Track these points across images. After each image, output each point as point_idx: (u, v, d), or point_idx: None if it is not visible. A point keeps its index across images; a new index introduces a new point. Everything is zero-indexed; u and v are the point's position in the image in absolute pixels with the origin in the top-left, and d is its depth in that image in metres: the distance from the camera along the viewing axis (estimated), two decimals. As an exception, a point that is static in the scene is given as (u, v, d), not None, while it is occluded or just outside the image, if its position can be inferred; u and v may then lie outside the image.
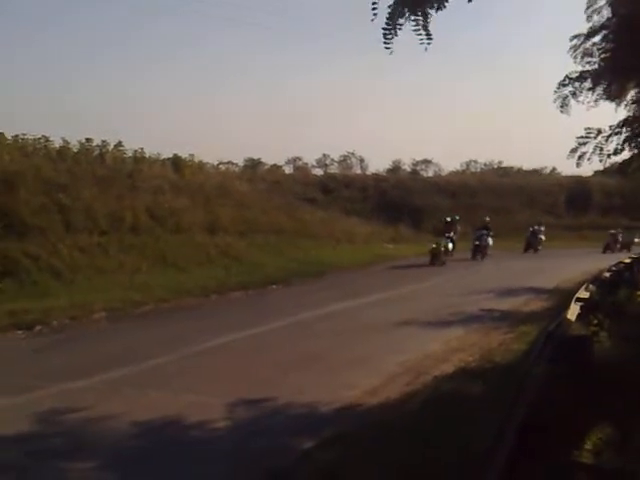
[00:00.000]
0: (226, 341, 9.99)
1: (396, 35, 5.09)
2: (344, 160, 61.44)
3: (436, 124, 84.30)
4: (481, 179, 47.38)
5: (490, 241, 26.62)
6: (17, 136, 19.44)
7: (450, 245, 24.86)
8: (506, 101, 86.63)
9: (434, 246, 23.26)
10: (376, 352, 9.50)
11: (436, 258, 22.77)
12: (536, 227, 31.62)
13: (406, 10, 5.07)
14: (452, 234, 25.54)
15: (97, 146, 21.64)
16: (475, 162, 62.65)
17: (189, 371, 8.23)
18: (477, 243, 25.97)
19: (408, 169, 58.30)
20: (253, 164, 54.01)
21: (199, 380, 7.83)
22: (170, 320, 12.01)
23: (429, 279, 19.10)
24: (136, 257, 16.47)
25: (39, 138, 19.99)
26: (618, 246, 31.97)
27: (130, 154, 22.84)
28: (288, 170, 54.50)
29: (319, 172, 54.38)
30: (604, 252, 30.18)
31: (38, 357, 8.95)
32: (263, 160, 55.42)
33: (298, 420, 6.46)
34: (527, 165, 57.79)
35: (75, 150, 20.87)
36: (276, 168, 51.86)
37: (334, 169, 58.13)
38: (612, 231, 32.67)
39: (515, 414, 4.42)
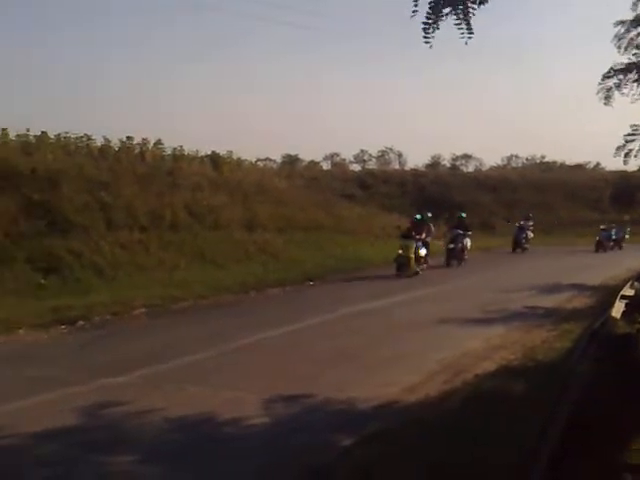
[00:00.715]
0: (264, 337, 10.00)
1: (437, 29, 5.04)
2: (382, 156, 61.23)
3: (476, 119, 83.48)
4: (522, 174, 46.68)
5: (468, 242, 22.64)
6: (60, 135, 19.84)
7: (423, 251, 19.43)
8: (548, 95, 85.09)
9: (400, 252, 18.47)
10: (414, 349, 9.39)
11: (403, 268, 18.27)
12: (522, 222, 27.91)
13: (447, 4, 5.01)
14: (424, 236, 19.74)
15: (137, 144, 21.96)
16: (517, 157, 61.92)
17: (227, 367, 8.26)
18: (451, 246, 21.59)
19: (447, 164, 57.78)
20: (291, 160, 54.15)
21: (237, 376, 7.84)
22: (209, 316, 12.09)
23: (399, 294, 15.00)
24: (175, 254, 16.64)
25: (81, 137, 20.39)
26: (611, 244, 29.57)
27: (169, 152, 23.11)
28: (326, 166, 54.55)
29: (357, 168, 54.29)
30: (597, 251, 28.01)
31: (80, 352, 9.10)
32: (301, 157, 55.55)
33: (337, 417, 6.41)
34: (570, 160, 56.71)
35: (116, 148, 21.20)
36: (314, 164, 51.90)
37: (372, 165, 57.99)
38: (603, 226, 30.10)
39: (560, 413, 4.33)
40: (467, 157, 59.55)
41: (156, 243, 16.67)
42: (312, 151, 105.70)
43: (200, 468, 5.18)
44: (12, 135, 18.65)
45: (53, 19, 74.71)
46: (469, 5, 5.09)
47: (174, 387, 7.29)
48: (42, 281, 13.19)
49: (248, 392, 7.11)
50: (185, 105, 78.92)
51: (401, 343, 9.79)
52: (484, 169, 55.41)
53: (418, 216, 20.49)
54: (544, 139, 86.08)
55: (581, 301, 13.73)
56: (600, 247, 28.46)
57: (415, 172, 46.04)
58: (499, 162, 60.25)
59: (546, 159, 58.92)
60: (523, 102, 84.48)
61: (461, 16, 5.06)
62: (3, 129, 18.37)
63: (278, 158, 53.41)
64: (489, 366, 8.14)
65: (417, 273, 18.61)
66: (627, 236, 31.11)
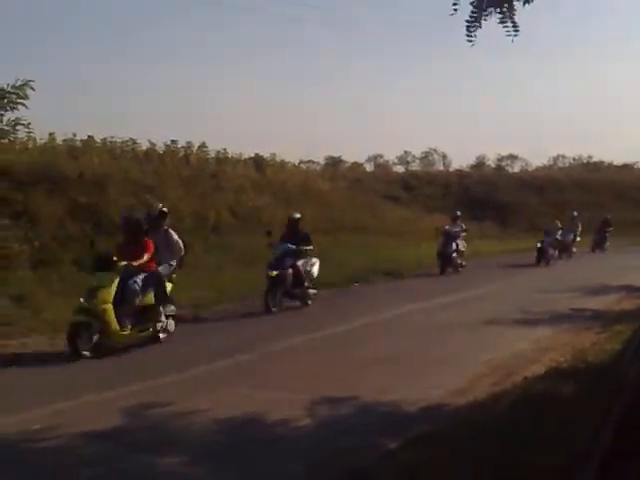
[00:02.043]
0: (308, 339, 9.98)
1: (480, 27, 4.95)
2: (426, 157, 60.78)
3: (522, 119, 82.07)
4: (569, 174, 45.74)
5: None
6: (106, 139, 20.18)
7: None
8: (594, 94, 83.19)
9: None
10: (461, 351, 9.25)
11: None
12: (447, 227, 20.68)
13: (491, 3, 4.91)
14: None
15: (182, 147, 22.19)
16: (563, 157, 60.80)
17: (272, 369, 8.25)
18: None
19: (492, 165, 57.00)
20: (334, 162, 54.08)
21: (283, 378, 7.82)
22: (254, 318, 12.06)
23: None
24: (219, 255, 16.70)
25: (127, 141, 20.72)
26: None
27: (213, 155, 23.30)
28: (369, 168, 54.33)
29: (400, 169, 53.97)
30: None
31: (124, 354, 9.10)
32: (344, 158, 55.46)
33: (382, 419, 6.31)
34: (618, 160, 55.36)
35: (161, 152, 21.45)
36: (357, 166, 51.68)
37: (416, 166, 57.55)
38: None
39: (611, 416, 4.19)
40: (513, 157, 58.79)
41: (201, 245, 16.76)
42: (355, 153, 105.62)
43: (243, 469, 5.15)
44: (59, 139, 19.05)
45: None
46: (513, 3, 4.97)
47: (219, 388, 7.27)
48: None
49: (293, 393, 7.07)
50: (229, 107, 79.44)
51: (447, 345, 9.64)
52: (530, 169, 54.45)
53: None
54: (591, 139, 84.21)
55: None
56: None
57: (460, 173, 45.40)
58: (545, 162, 59.20)
59: (593, 159, 57.64)
60: (569, 101, 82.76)
61: (506, 14, 4.95)
62: (50, 133, 18.80)
63: (321, 160, 53.50)
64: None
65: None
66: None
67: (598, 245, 28.24)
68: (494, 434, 5.33)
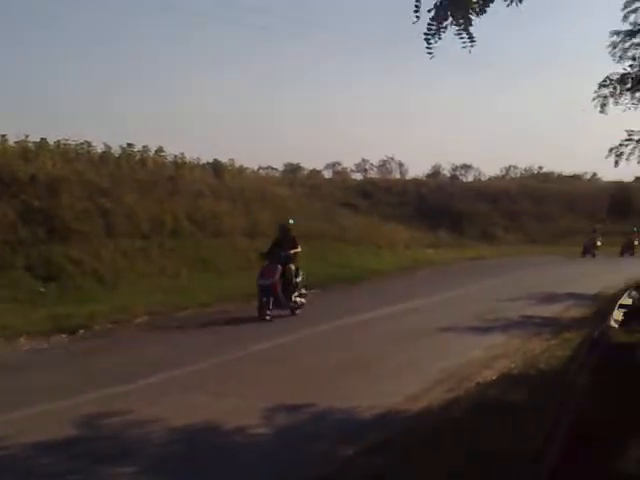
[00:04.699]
0: (267, 347, 9.95)
1: (439, 39, 5.04)
2: (383, 165, 61.17)
3: (475, 129, 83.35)
4: (521, 184, 46.66)
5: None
6: (59, 141, 19.72)
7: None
8: (545, 106, 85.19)
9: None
10: (417, 358, 9.36)
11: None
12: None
13: (448, 14, 5.00)
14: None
15: (138, 151, 21.87)
16: (515, 167, 61.72)
17: (230, 376, 8.21)
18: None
19: (448, 174, 57.74)
20: (292, 169, 54.03)
21: (241, 385, 7.78)
22: (211, 325, 11.94)
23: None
24: (177, 261, 16.55)
25: (81, 143, 20.27)
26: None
27: (171, 159, 23.02)
28: (327, 175, 54.41)
29: (358, 177, 54.21)
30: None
31: (82, 361, 8.99)
32: (302, 165, 55.46)
33: (339, 426, 6.36)
34: (567, 171, 56.68)
35: (117, 155, 21.10)
36: (315, 173, 51.72)
37: (373, 174, 57.89)
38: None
39: (559, 423, 4.32)
40: (466, 167, 59.61)
41: (157, 250, 16.58)
42: (313, 159, 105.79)
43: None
44: (11, 141, 18.52)
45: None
46: (469, 16, 5.07)
47: (178, 396, 7.24)
48: (42, 289, 13.07)
49: (252, 401, 7.07)
50: (186, 113, 78.65)
51: (404, 352, 9.73)
52: (483, 179, 55.42)
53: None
54: (542, 150, 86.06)
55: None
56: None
57: (416, 181, 45.93)
58: (498, 172, 60.27)
59: (544, 170, 58.88)
60: (521, 113, 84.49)
61: (462, 26, 5.04)
62: (2, 135, 18.24)
63: (280, 166, 53.39)
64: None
65: None
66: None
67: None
68: (442, 440, 5.49)
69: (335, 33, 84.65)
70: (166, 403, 6.93)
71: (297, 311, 12.85)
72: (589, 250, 30.44)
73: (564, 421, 4.31)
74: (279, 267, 12.44)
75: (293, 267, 12.86)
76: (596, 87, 10.31)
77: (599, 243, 31.13)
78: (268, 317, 12.00)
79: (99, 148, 20.85)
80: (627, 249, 31.38)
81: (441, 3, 5.04)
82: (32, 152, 18.42)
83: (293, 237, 13.13)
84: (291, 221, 13.73)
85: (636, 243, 31.97)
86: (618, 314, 8.43)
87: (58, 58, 67.68)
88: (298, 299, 12.94)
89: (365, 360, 9.10)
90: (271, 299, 12.15)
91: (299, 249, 13.07)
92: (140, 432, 5.98)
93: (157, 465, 5.33)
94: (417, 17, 4.98)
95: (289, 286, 12.62)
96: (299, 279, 13.04)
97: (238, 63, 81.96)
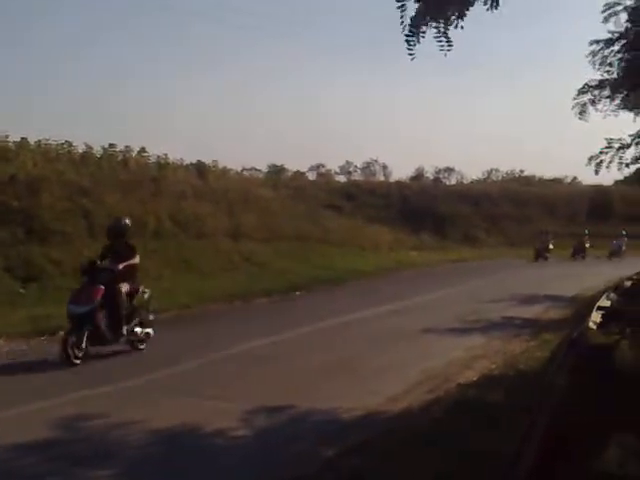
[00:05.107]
0: (249, 348, 9.91)
1: (419, 42, 5.10)
2: (367, 167, 61.49)
3: (458, 132, 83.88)
4: (502, 188, 47.02)
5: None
6: (40, 141, 19.52)
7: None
8: (527, 111, 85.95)
9: None
10: (399, 359, 9.37)
11: None
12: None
13: (428, 17, 5.02)
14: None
15: (120, 151, 21.70)
16: (497, 170, 62.44)
17: (213, 378, 8.17)
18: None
19: (431, 177, 58.11)
20: (276, 170, 54.08)
21: (223, 387, 7.74)
22: (193, 327, 11.89)
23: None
24: (159, 262, 16.41)
25: (62, 143, 20.09)
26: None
27: (154, 160, 22.87)
28: (311, 177, 54.47)
29: (342, 179, 54.35)
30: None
31: (61, 363, 8.81)
32: (286, 167, 55.50)
33: (321, 428, 6.36)
34: (548, 174, 57.31)
35: (98, 155, 20.92)
36: (299, 175, 51.79)
37: (357, 176, 58.09)
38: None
39: (538, 424, 4.34)
40: (449, 170, 60.19)
41: (139, 251, 16.34)
42: (298, 161, 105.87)
43: None
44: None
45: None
46: (449, 17, 5.10)
47: (158, 397, 7.18)
48: (21, 290, 12.91)
49: (234, 402, 7.03)
50: (172, 114, 78.32)
51: (386, 353, 9.73)
52: (465, 182, 55.84)
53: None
54: (524, 154, 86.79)
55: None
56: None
57: (400, 184, 46.15)
58: (480, 176, 60.79)
59: (525, 173, 59.48)
60: (503, 116, 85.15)
61: (441, 29, 5.07)
62: (-19, 135, 18.03)
63: (264, 168, 53.40)
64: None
65: None
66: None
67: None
68: (423, 441, 5.50)
69: (321, 34, 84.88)
70: (146, 405, 6.87)
71: (142, 345, 9.65)
72: (541, 254, 29.68)
73: (542, 421, 4.35)
74: (101, 287, 8.98)
75: (126, 287, 9.41)
76: (576, 94, 10.41)
77: (551, 246, 30.68)
78: (78, 360, 8.50)
79: (80, 148, 20.70)
80: (578, 251, 31.19)
81: (420, 8, 5.06)
82: (12, 152, 18.24)
83: (128, 244, 9.78)
84: (126, 221, 10.11)
85: (587, 245, 31.74)
86: (597, 316, 8.53)
87: (40, 58, 67.32)
88: (139, 329, 9.59)
89: (347, 361, 9.10)
90: (86, 333, 8.64)
91: (136, 260, 9.66)
92: (119, 434, 5.93)
93: (136, 467, 5.28)
94: (402, 22, 4.99)
95: (118, 314, 9.15)
96: (145, 299, 9.96)
97: (222, 64, 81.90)
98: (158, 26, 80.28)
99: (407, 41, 5.03)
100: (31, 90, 67.05)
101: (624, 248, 31.72)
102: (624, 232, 32.40)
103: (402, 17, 5.00)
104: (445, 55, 5.02)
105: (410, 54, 5.06)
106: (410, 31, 5.02)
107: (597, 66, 10.35)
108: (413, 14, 5.05)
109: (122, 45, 79.24)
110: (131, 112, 72.53)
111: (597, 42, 10.39)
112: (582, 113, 10.32)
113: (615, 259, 30.07)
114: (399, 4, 4.95)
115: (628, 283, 13.62)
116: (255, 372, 8.51)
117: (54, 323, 10.79)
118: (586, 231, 32.20)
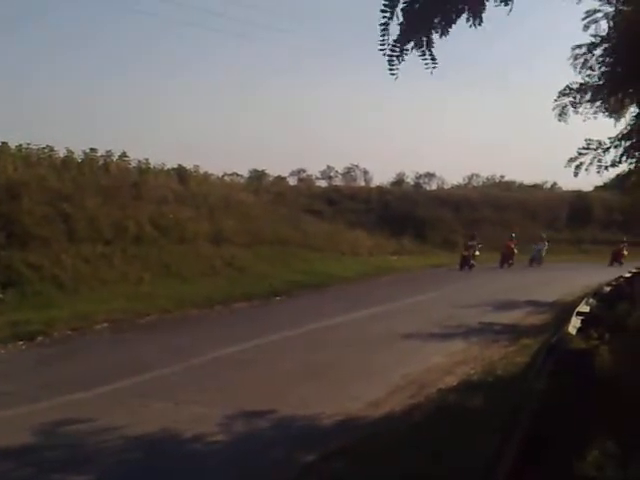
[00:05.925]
0: (230, 352, 9.92)
1: (403, 61, 5.06)
2: (348, 172, 61.43)
3: (439, 139, 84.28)
4: (483, 193, 47.33)
5: None
6: (21, 146, 19.39)
7: None
8: (508, 116, 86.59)
9: None
10: (380, 365, 9.42)
11: None
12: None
13: (411, 38, 5.05)
14: None
15: (101, 156, 21.58)
16: (477, 176, 62.53)
17: (191, 383, 8.17)
18: None
19: (412, 182, 58.28)
20: (257, 175, 53.91)
21: (202, 392, 7.74)
22: (173, 331, 11.90)
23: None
24: (140, 267, 16.37)
25: (43, 148, 19.93)
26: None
27: (135, 164, 22.79)
28: (292, 182, 54.42)
29: (323, 184, 54.36)
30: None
31: (40, 368, 8.86)
32: (268, 172, 55.39)
33: (301, 433, 6.39)
34: (528, 180, 57.68)
35: (79, 160, 20.80)
36: (280, 180, 51.70)
37: (338, 181, 58.12)
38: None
39: (517, 429, 4.41)
40: (430, 175, 60.27)
41: (120, 256, 16.38)
42: (279, 166, 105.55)
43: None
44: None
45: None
46: (431, 38, 5.13)
47: (137, 403, 7.18)
48: (0, 295, 12.79)
49: (213, 408, 7.04)
50: (153, 119, 77.81)
51: (367, 359, 9.79)
52: (446, 187, 56.07)
53: None
54: (504, 159, 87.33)
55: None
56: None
57: (380, 189, 46.27)
58: (460, 181, 61.05)
59: (505, 178, 59.82)
60: (485, 122, 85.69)
61: (424, 49, 5.10)
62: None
63: (245, 173, 53.21)
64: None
65: None
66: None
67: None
68: (403, 446, 5.56)
69: (305, 38, 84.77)
70: (123, 411, 6.86)
71: None
72: (467, 262, 26.05)
73: (521, 426, 4.42)
74: None
75: None
76: (557, 96, 10.51)
77: (477, 252, 27.15)
78: None
79: (61, 152, 20.56)
80: (507, 258, 28.21)
81: (403, 27, 5.08)
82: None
83: None
84: None
85: (516, 251, 28.80)
86: (576, 321, 8.67)
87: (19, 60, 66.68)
88: None
89: (328, 366, 9.14)
90: None
91: None
92: (97, 440, 5.92)
93: (113, 473, 5.29)
94: (383, 43, 5.00)
95: None
96: None
97: (205, 67, 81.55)
98: (140, 29, 79.77)
99: (389, 62, 5.06)
100: (10, 93, 66.17)
101: (544, 254, 30.36)
102: (544, 235, 31.63)
103: (383, 37, 5.03)
104: (431, 73, 5.01)
105: (392, 74, 5.07)
106: (392, 51, 5.06)
107: (579, 69, 10.50)
108: (395, 37, 5.08)
109: (103, 46, 78.58)
110: (113, 115, 71.85)
111: (579, 46, 10.55)
112: (562, 115, 10.41)
113: (535, 265, 29.02)
114: (381, 27, 4.99)
115: (607, 289, 13.75)
116: (235, 377, 8.53)
117: (33, 328, 10.78)
118: (512, 235, 29.70)
